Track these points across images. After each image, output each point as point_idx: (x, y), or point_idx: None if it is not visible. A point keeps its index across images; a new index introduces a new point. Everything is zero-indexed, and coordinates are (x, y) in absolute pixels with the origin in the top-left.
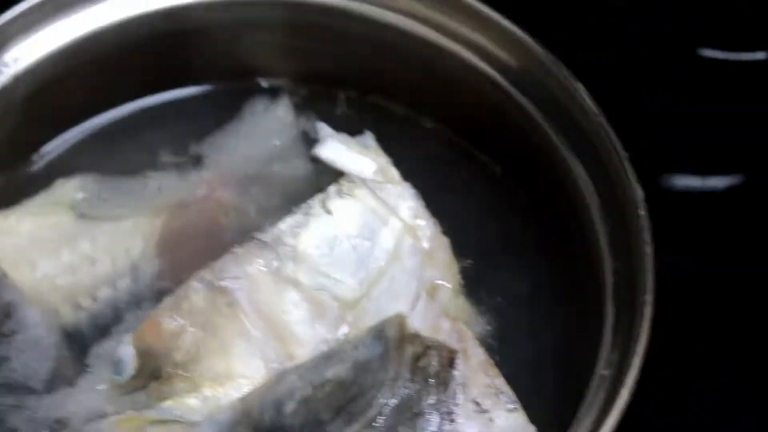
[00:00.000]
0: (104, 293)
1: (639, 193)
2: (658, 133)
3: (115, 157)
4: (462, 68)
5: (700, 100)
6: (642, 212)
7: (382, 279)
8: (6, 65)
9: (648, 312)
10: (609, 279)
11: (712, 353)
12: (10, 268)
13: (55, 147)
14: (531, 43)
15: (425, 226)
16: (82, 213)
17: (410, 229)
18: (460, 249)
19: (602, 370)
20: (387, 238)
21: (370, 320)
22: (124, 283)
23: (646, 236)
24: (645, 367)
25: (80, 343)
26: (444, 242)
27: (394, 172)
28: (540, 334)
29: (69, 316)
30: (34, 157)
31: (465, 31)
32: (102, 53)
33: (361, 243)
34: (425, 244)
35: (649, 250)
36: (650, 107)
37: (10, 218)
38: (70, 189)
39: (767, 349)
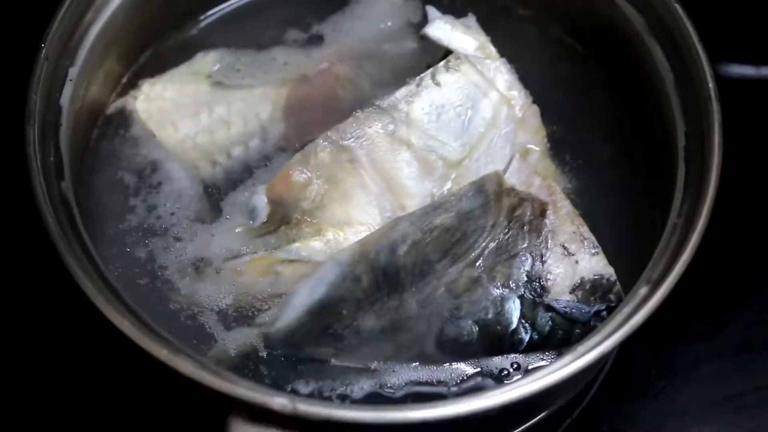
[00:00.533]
0: (237, 151)
1: (708, 67)
2: (718, 23)
3: (248, 33)
4: None
5: None
6: (711, 84)
7: (482, 142)
8: None
9: (715, 168)
10: (681, 141)
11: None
12: (156, 129)
13: (195, 23)
14: None
15: (518, 96)
16: (219, 81)
17: (505, 100)
18: (548, 117)
19: (675, 219)
20: (486, 108)
21: (472, 178)
22: (255, 143)
23: (715, 104)
24: (710, 223)
25: (217, 194)
26: (534, 110)
27: (492, 49)
28: (618, 191)
29: (207, 170)
30: (177, 32)
31: None
32: None
33: (465, 111)
34: (518, 113)
35: (717, 114)
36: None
37: (156, 85)
38: (208, 61)
39: None
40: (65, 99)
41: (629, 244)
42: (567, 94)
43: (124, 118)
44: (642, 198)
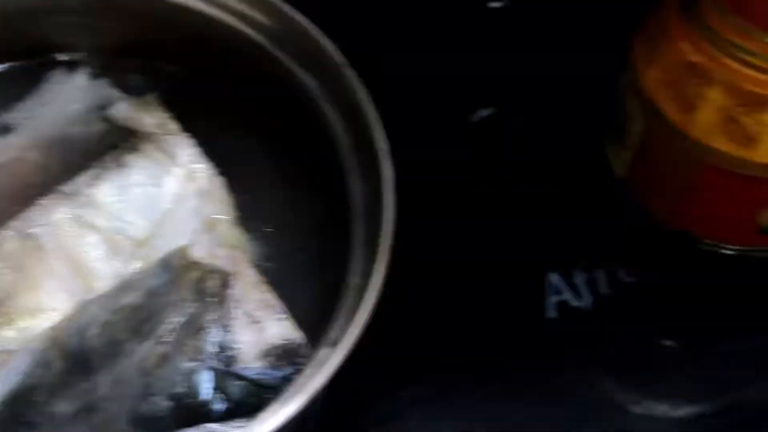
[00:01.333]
0: None
1: (380, 130)
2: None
3: None
4: (228, 32)
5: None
6: (383, 145)
7: (169, 218)
8: None
9: (389, 227)
10: (360, 202)
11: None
12: None
13: None
14: (287, 8)
15: (203, 169)
16: None
17: (189, 174)
18: (239, 186)
19: (354, 278)
20: (171, 184)
21: (161, 254)
22: None
23: (387, 164)
24: (391, 277)
25: None
26: (220, 181)
27: (173, 126)
28: (306, 254)
29: None
30: None
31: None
32: None
33: (150, 189)
34: (204, 185)
35: (389, 174)
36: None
37: None
38: None
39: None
40: None
41: (316, 306)
42: (254, 161)
43: None
44: (327, 258)
